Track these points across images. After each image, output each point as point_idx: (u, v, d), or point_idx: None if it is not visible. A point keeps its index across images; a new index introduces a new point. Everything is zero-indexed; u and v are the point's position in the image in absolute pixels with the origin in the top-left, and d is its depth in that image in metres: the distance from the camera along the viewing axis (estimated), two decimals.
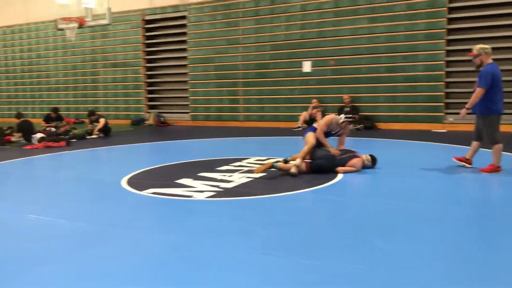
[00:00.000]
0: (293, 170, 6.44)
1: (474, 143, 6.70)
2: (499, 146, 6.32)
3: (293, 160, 6.66)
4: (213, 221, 4.46)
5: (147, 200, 5.40)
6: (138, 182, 6.32)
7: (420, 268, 3.22)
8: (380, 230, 4.07)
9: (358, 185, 6.07)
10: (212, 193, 5.55)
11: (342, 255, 3.50)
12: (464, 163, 6.78)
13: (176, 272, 3.26)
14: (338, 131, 6.98)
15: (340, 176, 6.35)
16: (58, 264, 3.48)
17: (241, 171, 6.87)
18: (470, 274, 3.13)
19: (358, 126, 12.29)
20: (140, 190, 5.79)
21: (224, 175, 6.58)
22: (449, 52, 12.02)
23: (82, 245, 3.89)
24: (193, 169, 7.11)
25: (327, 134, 6.92)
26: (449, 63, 12.09)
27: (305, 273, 3.20)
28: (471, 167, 6.69)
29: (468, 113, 6.45)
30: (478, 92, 6.24)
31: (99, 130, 12.34)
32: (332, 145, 6.83)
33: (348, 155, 6.69)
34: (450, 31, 11.99)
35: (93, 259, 3.56)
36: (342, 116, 6.98)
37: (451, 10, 11.93)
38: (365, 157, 6.77)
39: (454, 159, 6.96)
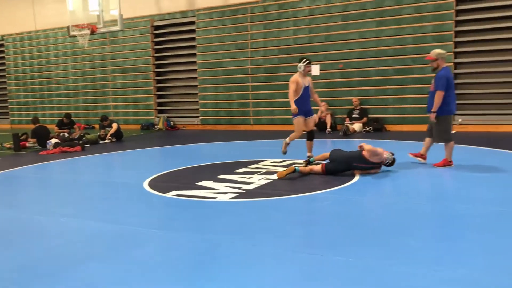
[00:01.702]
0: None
1: (427, 139, 7.27)
2: (451, 143, 6.99)
3: (317, 161, 6.87)
4: (242, 221, 4.61)
5: (173, 202, 5.55)
6: (160, 185, 6.47)
7: (448, 261, 3.36)
8: (404, 228, 4.21)
9: (375, 186, 6.20)
10: (235, 194, 5.70)
11: (372, 252, 3.64)
12: (419, 158, 7.33)
13: (216, 270, 3.41)
14: (307, 86, 7.38)
15: (357, 177, 6.49)
16: (100, 263, 3.63)
17: (259, 173, 7.01)
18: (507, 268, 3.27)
19: (368, 128, 12.43)
20: (164, 193, 5.94)
21: (244, 177, 6.73)
22: (457, 54, 12.16)
23: (120, 245, 4.04)
24: (212, 172, 7.25)
25: (306, 93, 7.30)
26: (457, 65, 12.23)
27: (339, 269, 3.34)
28: (425, 162, 7.25)
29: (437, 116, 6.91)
30: (439, 94, 6.78)
31: (112, 135, 12.50)
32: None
33: (369, 166, 6.66)
34: (458, 33, 12.13)
35: (133, 258, 3.71)
36: (300, 64, 7.36)
37: (459, 12, 12.07)
38: (387, 154, 6.86)
39: (409, 155, 7.46)
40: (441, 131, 6.97)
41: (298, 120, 7.40)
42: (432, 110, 6.85)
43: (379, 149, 6.80)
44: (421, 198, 5.29)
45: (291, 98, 7.21)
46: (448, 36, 12.04)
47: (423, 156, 7.32)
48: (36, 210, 5.41)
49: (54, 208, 5.49)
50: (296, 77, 7.35)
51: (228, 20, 14.96)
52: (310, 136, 7.59)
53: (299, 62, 7.42)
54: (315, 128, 7.85)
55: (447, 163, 7.01)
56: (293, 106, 7.16)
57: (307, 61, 7.41)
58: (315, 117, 7.86)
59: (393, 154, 6.89)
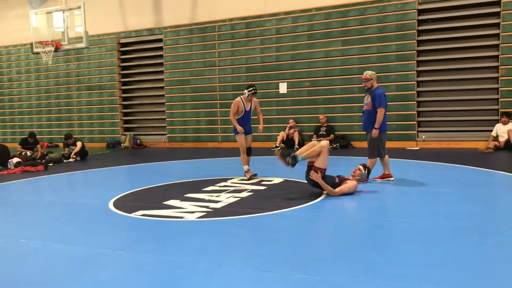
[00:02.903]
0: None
1: (382, 160, 7.48)
2: (387, 158, 7.40)
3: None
4: (210, 241, 4.55)
5: (138, 222, 5.44)
6: (125, 204, 6.34)
7: (414, 277, 3.40)
8: (371, 244, 4.25)
9: (342, 203, 6.26)
10: (203, 213, 5.64)
11: (340, 269, 3.65)
12: (387, 179, 7.50)
13: None
14: (250, 108, 8.07)
15: (323, 195, 6.52)
16: (63, 287, 3.50)
17: (227, 191, 6.98)
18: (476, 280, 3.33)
19: (334, 145, 12.58)
20: (129, 213, 5.82)
21: (212, 195, 6.68)
22: (419, 73, 12.53)
23: (83, 268, 3.92)
24: (179, 190, 7.17)
25: (247, 115, 8.02)
26: (420, 83, 12.59)
27: (309, 287, 3.33)
28: (393, 179, 7.45)
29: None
30: (381, 111, 7.22)
31: (76, 154, 12.22)
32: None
33: (342, 178, 6.64)
34: (420, 53, 12.52)
35: (96, 282, 3.60)
36: (245, 91, 8.01)
37: (420, 32, 12.47)
38: (360, 169, 6.99)
39: (375, 180, 7.51)
40: (378, 147, 7.30)
41: (240, 137, 8.08)
42: (376, 126, 7.23)
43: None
44: (386, 214, 5.37)
45: (232, 119, 8.04)
46: (410, 55, 12.41)
47: (389, 175, 7.50)
48: None
49: (14, 230, 5.29)
50: (238, 100, 8.04)
51: (196, 38, 15.00)
52: (248, 152, 8.19)
53: (246, 88, 8.04)
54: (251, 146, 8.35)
55: (385, 176, 7.43)
56: (238, 127, 7.97)
57: (252, 91, 8.01)
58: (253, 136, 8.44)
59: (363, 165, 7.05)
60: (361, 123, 13.10)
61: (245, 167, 8.07)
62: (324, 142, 6.60)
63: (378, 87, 7.39)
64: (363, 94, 12.81)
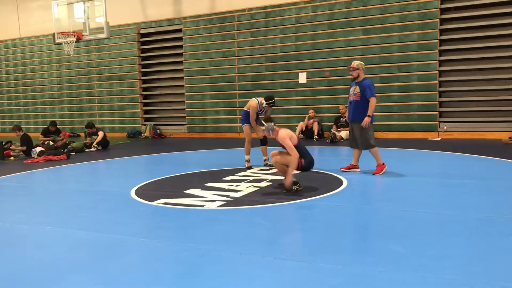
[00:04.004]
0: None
1: (355, 150, 7.50)
2: (376, 148, 7.27)
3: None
4: (231, 229, 4.58)
5: (160, 210, 5.50)
6: (147, 193, 6.42)
7: (436, 268, 3.38)
8: (393, 235, 4.23)
9: (363, 192, 6.23)
10: (223, 202, 5.67)
11: (361, 259, 3.64)
12: (353, 170, 7.49)
13: (203, 279, 3.38)
14: (262, 111, 8.31)
15: (344, 184, 6.51)
16: (86, 274, 3.58)
17: (247, 181, 7.00)
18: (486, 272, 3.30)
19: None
20: (151, 201, 5.89)
21: (231, 185, 6.71)
22: (441, 62, 12.32)
23: (106, 255, 3.99)
24: (199, 180, 7.22)
25: (257, 114, 8.23)
26: (441, 73, 12.39)
27: (328, 277, 3.33)
28: (359, 171, 7.46)
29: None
30: (373, 101, 7.17)
31: (98, 143, 12.38)
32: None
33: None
34: (442, 42, 12.30)
35: (119, 268, 3.66)
36: (263, 101, 8.22)
37: (443, 21, 12.25)
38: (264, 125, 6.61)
39: (341, 169, 7.55)
40: (368, 138, 7.23)
41: (247, 127, 8.34)
42: (369, 114, 7.15)
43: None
44: (407, 204, 5.32)
45: (253, 123, 8.27)
46: (433, 44, 12.20)
47: (355, 167, 7.53)
48: (20, 219, 5.32)
49: (39, 217, 5.40)
50: (255, 106, 8.17)
51: (215, 28, 14.99)
52: (264, 141, 8.48)
53: (266, 100, 8.24)
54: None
55: (382, 167, 7.23)
56: (256, 129, 8.27)
57: (270, 104, 8.29)
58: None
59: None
60: (382, 113, 13.12)
61: (247, 157, 8.28)
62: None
63: (365, 78, 7.35)
64: (384, 84, 12.79)
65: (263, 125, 6.56)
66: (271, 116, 7.00)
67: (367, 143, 7.26)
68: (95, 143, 12.33)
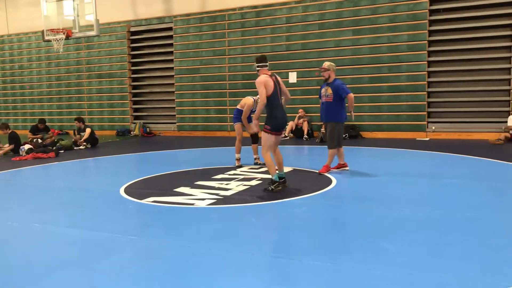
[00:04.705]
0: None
1: (338, 150, 7.46)
2: (333, 151, 7.37)
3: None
4: (221, 227, 4.59)
5: (150, 209, 5.49)
6: (136, 191, 6.40)
7: (425, 266, 3.42)
8: (382, 233, 4.27)
9: (352, 192, 6.27)
10: (213, 201, 5.68)
11: (350, 257, 3.68)
12: (343, 168, 7.57)
13: (193, 277, 3.39)
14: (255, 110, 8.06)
15: (334, 183, 6.55)
16: (75, 271, 3.57)
17: (237, 179, 7.01)
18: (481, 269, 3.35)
19: (344, 136, 12.56)
20: (141, 199, 5.88)
21: (221, 183, 6.72)
22: (430, 63, 12.43)
23: (96, 252, 3.98)
24: (189, 178, 7.22)
25: (249, 112, 8.17)
26: (430, 74, 12.50)
27: (317, 274, 3.36)
28: (348, 169, 7.53)
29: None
30: (350, 97, 7.21)
31: (86, 141, 12.30)
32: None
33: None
34: (431, 43, 12.41)
35: (109, 266, 3.66)
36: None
37: (432, 22, 12.36)
38: None
39: (332, 170, 7.55)
40: (334, 137, 7.30)
41: (239, 126, 8.34)
42: (350, 110, 7.30)
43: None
44: (396, 203, 5.37)
45: (245, 121, 8.13)
46: (422, 45, 12.31)
47: (344, 165, 7.57)
48: (9, 217, 5.29)
49: (28, 215, 5.37)
50: (251, 104, 8.12)
51: (206, 26, 14.97)
52: (255, 139, 8.44)
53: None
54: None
55: (328, 169, 7.37)
56: (247, 126, 8.13)
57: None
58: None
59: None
60: (371, 113, 13.21)
61: (237, 155, 8.30)
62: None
63: (336, 79, 7.39)
64: (374, 84, 12.88)
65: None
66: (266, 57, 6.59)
67: (335, 143, 7.34)
68: (82, 140, 12.23)
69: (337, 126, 7.36)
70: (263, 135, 6.30)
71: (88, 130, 12.36)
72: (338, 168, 7.59)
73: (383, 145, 10.88)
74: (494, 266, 3.41)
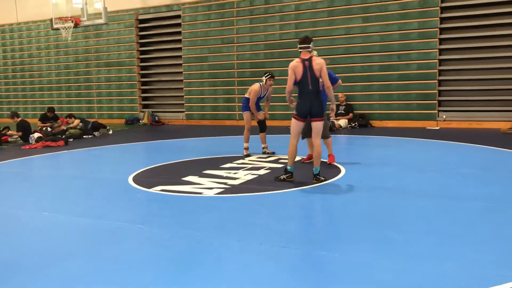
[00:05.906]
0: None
1: (327, 141, 7.29)
2: (331, 138, 7.36)
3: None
4: (228, 217, 4.58)
5: (158, 197, 5.49)
6: (145, 180, 6.40)
7: (434, 256, 3.38)
8: (390, 223, 4.23)
9: (361, 182, 6.22)
10: (221, 190, 5.67)
11: (358, 247, 3.64)
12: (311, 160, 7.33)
13: (200, 266, 3.38)
14: (265, 94, 8.26)
15: (343, 172, 6.51)
16: (82, 260, 3.57)
17: (245, 168, 6.99)
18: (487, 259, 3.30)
19: (353, 124, 12.47)
20: (149, 188, 5.88)
21: (229, 173, 6.70)
22: (441, 51, 12.25)
23: (103, 241, 3.99)
24: (197, 167, 7.21)
25: (258, 99, 8.20)
26: (441, 62, 12.32)
27: (325, 264, 3.34)
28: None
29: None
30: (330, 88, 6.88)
31: (95, 130, 12.34)
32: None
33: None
34: (443, 30, 12.22)
35: (117, 254, 3.66)
36: (263, 78, 8.17)
37: (443, 9, 12.16)
38: None
39: (303, 161, 7.45)
40: (326, 126, 7.11)
41: (248, 115, 8.31)
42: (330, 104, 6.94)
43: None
44: (406, 193, 5.32)
45: (253, 108, 8.17)
46: (433, 33, 12.12)
47: (330, 156, 7.31)
48: (18, 205, 5.31)
49: (36, 203, 5.39)
50: (257, 90, 8.16)
51: (214, 14, 14.86)
52: (263, 127, 8.39)
53: (264, 75, 8.25)
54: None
55: (311, 157, 7.10)
56: (255, 114, 8.23)
57: (269, 76, 8.20)
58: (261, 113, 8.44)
59: None
60: (381, 102, 13.09)
61: (245, 144, 8.27)
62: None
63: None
64: (384, 73, 12.74)
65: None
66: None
67: (326, 133, 7.07)
68: (67, 127, 12.29)
69: (325, 116, 7.13)
70: (291, 121, 6.23)
71: (76, 121, 12.45)
72: (309, 159, 7.39)
73: (393, 134, 10.78)
74: (506, 257, 3.36)
